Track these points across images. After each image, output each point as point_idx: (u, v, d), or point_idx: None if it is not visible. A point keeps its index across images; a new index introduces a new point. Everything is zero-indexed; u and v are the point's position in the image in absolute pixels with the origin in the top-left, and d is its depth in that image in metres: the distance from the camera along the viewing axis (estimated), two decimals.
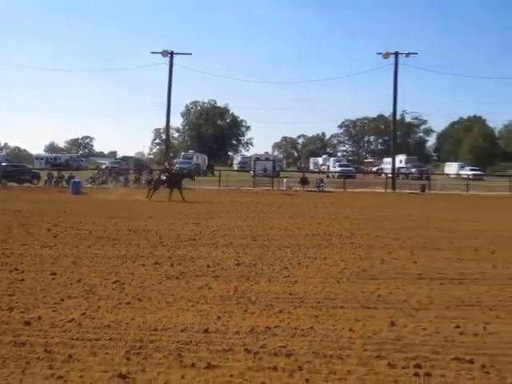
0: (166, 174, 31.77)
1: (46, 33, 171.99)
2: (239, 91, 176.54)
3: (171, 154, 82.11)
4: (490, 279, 9.99)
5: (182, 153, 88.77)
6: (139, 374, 5.51)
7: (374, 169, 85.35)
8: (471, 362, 5.79)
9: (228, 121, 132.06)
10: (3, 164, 54.04)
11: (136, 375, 5.49)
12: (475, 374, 5.51)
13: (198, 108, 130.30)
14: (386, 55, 49.04)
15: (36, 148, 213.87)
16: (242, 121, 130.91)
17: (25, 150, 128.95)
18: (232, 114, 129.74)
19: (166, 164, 36.21)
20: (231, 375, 5.48)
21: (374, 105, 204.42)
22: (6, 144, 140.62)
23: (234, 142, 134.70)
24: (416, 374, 5.46)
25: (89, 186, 42.93)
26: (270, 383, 5.32)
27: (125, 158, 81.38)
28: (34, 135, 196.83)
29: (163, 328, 6.89)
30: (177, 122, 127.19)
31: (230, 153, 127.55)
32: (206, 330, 6.79)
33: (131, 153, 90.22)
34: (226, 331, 6.80)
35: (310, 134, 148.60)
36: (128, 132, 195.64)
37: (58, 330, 6.81)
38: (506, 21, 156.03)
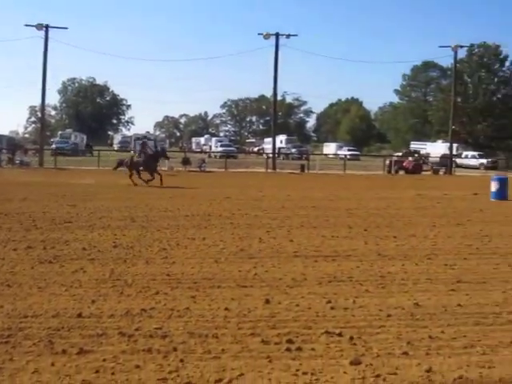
0: (142, 154, 27.82)
1: None
2: (119, 69, 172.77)
3: (48, 133, 79.14)
4: (361, 255, 10.44)
5: (59, 132, 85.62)
6: (7, 364, 5.29)
7: (256, 149, 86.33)
8: (340, 334, 6.04)
9: (108, 99, 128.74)
10: None
11: (3, 365, 5.26)
12: (343, 346, 5.75)
13: (76, 85, 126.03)
14: (267, 36, 49.54)
15: None
16: (122, 99, 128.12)
17: None
18: (112, 92, 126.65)
19: (140, 143, 31.38)
20: (104, 359, 5.39)
21: (256, 85, 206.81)
22: None
23: (115, 121, 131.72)
24: (288, 349, 5.62)
25: None
26: (144, 365, 5.28)
27: None
28: None
29: (34, 314, 6.66)
30: (54, 99, 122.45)
31: (109, 132, 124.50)
32: (80, 315, 6.63)
33: (5, 131, 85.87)
34: (101, 315, 6.68)
35: (192, 114, 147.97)
36: (0, 110, 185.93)
37: None
38: (379, 8, 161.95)
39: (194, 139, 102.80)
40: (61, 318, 6.55)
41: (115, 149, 76.50)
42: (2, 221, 13.91)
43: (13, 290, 7.76)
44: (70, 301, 7.24)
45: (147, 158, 27.27)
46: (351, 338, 5.92)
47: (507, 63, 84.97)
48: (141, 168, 26.96)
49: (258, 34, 50.40)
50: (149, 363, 5.34)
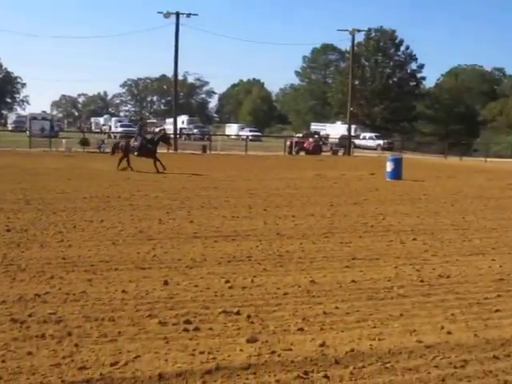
0: (139, 138, 25.80)
1: None
2: (13, 46, 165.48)
3: None
4: (260, 235, 10.57)
5: None
6: None
7: (157, 129, 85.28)
8: (238, 313, 6.10)
9: (0, 76, 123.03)
10: None
11: None
12: (241, 324, 5.82)
13: None
14: (167, 15, 48.90)
15: None
16: (16, 77, 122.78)
17: None
18: (5, 69, 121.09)
19: (138, 125, 28.50)
20: None
21: (156, 65, 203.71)
22: None
23: (9, 99, 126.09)
24: (185, 330, 5.63)
25: None
26: (37, 352, 5.12)
27: None
28: None
29: None
30: None
31: (3, 111, 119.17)
32: None
33: None
34: None
35: (90, 93, 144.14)
36: None
37: None
38: None
39: (93, 119, 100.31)
40: None
41: (9, 129, 73.43)
42: None
43: None
44: None
45: (145, 142, 25.57)
46: (248, 317, 5.99)
47: (402, 48, 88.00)
48: (135, 153, 25.21)
49: (158, 12, 49.68)
50: (42, 349, 5.18)
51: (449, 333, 5.60)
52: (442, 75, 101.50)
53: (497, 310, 6.35)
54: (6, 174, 21.90)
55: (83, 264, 8.16)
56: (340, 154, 51.86)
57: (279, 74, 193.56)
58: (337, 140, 59.18)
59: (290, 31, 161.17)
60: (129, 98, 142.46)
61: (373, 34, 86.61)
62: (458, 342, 5.37)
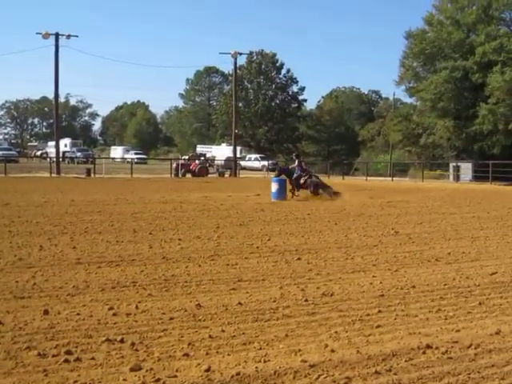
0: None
1: None
2: None
3: None
4: (145, 259, 10.40)
5: None
6: None
7: (39, 153, 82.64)
8: (122, 341, 5.94)
9: None
10: None
11: None
12: (125, 352, 5.67)
13: None
14: (46, 35, 47.65)
15: None
16: None
17: None
18: None
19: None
20: None
21: (37, 86, 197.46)
22: None
23: None
24: (66, 361, 5.41)
25: None
26: None
27: None
28: None
29: None
30: None
31: None
32: None
33: None
34: None
35: None
36: None
37: None
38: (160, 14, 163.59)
39: None
40: None
41: None
42: None
43: None
44: None
45: None
46: (133, 344, 5.85)
47: (283, 71, 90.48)
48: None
49: (37, 33, 48.35)
50: None
51: (332, 350, 5.73)
52: (322, 97, 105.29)
53: (378, 326, 6.57)
54: None
55: None
56: (226, 175, 52.33)
57: (164, 96, 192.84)
58: (223, 162, 59.66)
59: (174, 54, 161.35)
60: (8, 120, 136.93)
61: (254, 57, 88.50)
62: (342, 359, 5.50)
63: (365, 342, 6.04)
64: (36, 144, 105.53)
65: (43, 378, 5.03)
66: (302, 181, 25.87)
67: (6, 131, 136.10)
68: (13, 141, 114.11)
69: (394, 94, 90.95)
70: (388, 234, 14.21)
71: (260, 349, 5.79)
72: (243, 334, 6.25)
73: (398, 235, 13.94)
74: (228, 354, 5.64)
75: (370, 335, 6.26)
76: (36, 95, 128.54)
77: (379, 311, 7.21)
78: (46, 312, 6.95)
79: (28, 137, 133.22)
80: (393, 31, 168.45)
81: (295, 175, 25.92)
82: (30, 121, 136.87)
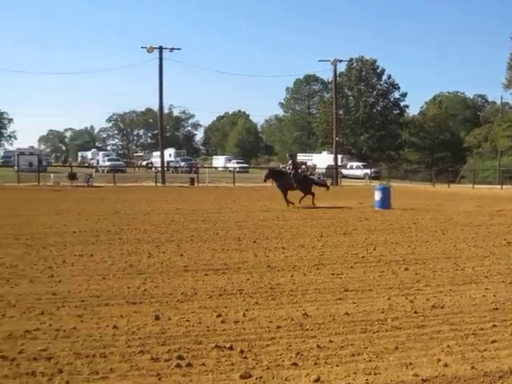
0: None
1: None
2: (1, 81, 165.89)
3: None
4: (251, 267, 10.50)
5: None
6: None
7: (144, 163, 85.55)
8: (231, 348, 6.03)
9: None
10: None
11: None
12: (234, 359, 5.75)
13: None
14: (151, 49, 49.21)
15: None
16: (3, 113, 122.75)
17: None
18: None
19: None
20: None
21: (142, 98, 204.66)
22: None
23: None
24: (178, 366, 5.55)
25: None
26: None
27: None
28: None
29: None
30: None
31: None
32: None
33: None
34: None
35: (77, 128, 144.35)
36: None
37: None
38: (263, 22, 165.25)
39: (80, 153, 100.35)
40: None
41: None
42: None
43: None
44: None
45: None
46: (242, 352, 5.92)
47: (384, 77, 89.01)
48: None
49: (142, 47, 50.08)
50: None
51: (445, 365, 5.55)
52: (425, 103, 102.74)
53: (493, 341, 6.30)
54: None
55: (73, 299, 8.07)
56: (328, 184, 52.00)
57: (264, 106, 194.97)
58: (324, 170, 59.40)
59: (273, 63, 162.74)
60: (115, 132, 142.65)
61: (354, 64, 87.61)
62: (456, 375, 5.32)
63: (480, 357, 5.81)
64: (141, 154, 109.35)
65: (157, 382, 5.18)
66: (299, 178, 25.57)
67: (113, 142, 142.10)
68: (120, 151, 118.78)
69: (501, 98, 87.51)
70: (500, 244, 13.64)
71: (370, 361, 5.70)
72: (351, 344, 6.18)
73: (510, 246, 13.36)
74: (337, 365, 5.58)
75: (485, 350, 6.01)
76: (141, 107, 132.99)
77: (494, 325, 6.92)
78: (157, 317, 7.16)
79: (134, 147, 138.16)
80: (499, 32, 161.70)
81: (291, 173, 25.36)
82: (135, 132, 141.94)
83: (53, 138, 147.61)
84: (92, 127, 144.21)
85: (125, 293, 8.50)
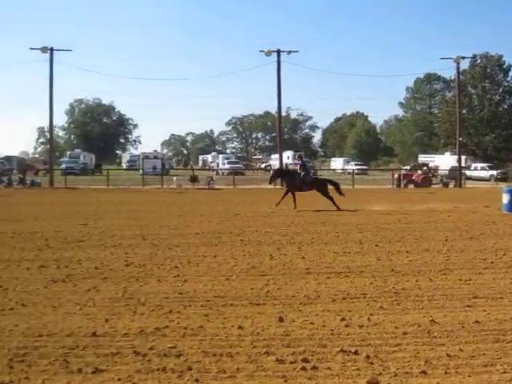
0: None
1: None
2: (125, 89, 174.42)
3: (57, 153, 79.68)
4: (374, 271, 10.35)
5: (68, 152, 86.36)
6: (23, 382, 5.30)
7: (263, 165, 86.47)
8: (356, 353, 5.96)
9: (114, 119, 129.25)
10: None
11: (19, 383, 5.26)
12: (360, 364, 5.68)
13: (83, 106, 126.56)
14: (269, 53, 49.76)
15: None
16: (128, 119, 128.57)
17: None
18: (118, 111, 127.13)
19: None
20: (119, 379, 5.36)
21: (260, 101, 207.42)
22: None
23: (122, 140, 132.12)
24: (303, 368, 5.56)
25: None
26: None
27: (8, 158, 77.89)
28: None
29: (49, 333, 6.65)
30: (62, 120, 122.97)
31: (118, 151, 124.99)
32: (94, 334, 6.61)
33: (15, 152, 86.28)
34: (115, 334, 6.65)
35: (198, 132, 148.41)
36: (11, 131, 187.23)
37: None
38: (380, 21, 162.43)
39: (201, 157, 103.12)
40: (75, 336, 6.52)
41: (124, 168, 76.93)
42: (16, 240, 13.97)
43: (27, 309, 7.77)
44: (84, 320, 7.22)
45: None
46: (368, 357, 5.84)
47: (511, 73, 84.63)
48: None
49: (260, 51, 50.70)
50: (164, 383, 5.31)
51: None
52: None
53: None
54: (122, 210, 22.86)
55: (199, 299, 8.30)
56: (451, 185, 50.30)
57: (383, 106, 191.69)
58: (447, 171, 57.50)
59: (391, 62, 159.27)
60: (234, 135, 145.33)
61: (478, 61, 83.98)
62: None
63: None
64: (260, 157, 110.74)
65: None
66: (309, 178, 24.80)
67: (232, 145, 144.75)
68: (239, 154, 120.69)
69: None
70: None
71: (504, 372, 5.44)
72: (483, 354, 5.92)
73: None
74: (469, 376, 5.38)
75: None
76: (259, 110, 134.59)
77: None
78: (280, 319, 7.22)
79: (252, 150, 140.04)
80: None
81: (302, 174, 24.62)
82: (254, 135, 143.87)
83: (175, 142, 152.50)
84: (212, 131, 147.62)
85: (248, 294, 8.63)
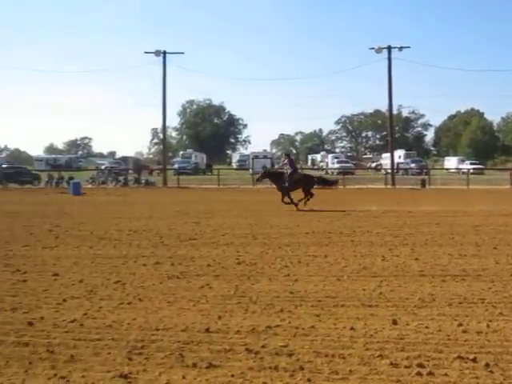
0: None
1: (45, 33, 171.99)
2: (235, 90, 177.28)
3: (170, 154, 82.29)
4: (492, 275, 9.90)
5: (181, 152, 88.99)
6: (141, 374, 5.49)
7: (373, 165, 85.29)
8: (475, 360, 5.72)
9: (225, 119, 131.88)
10: (4, 166, 54.50)
11: (138, 375, 5.47)
12: (479, 373, 5.45)
13: (194, 107, 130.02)
14: (379, 50, 49.07)
15: (36, 150, 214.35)
16: (238, 119, 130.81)
17: (25, 152, 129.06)
18: (228, 112, 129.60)
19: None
20: (232, 375, 5.44)
21: (369, 100, 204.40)
22: (5, 146, 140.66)
23: (232, 140, 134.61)
24: (418, 374, 5.41)
25: (89, 186, 42.96)
26: (272, 383, 5.27)
27: (124, 159, 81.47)
28: (33, 137, 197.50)
29: (164, 328, 6.86)
30: (174, 121, 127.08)
31: (228, 151, 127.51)
32: (207, 330, 6.75)
33: (131, 153, 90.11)
34: (227, 331, 6.76)
35: (307, 131, 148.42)
36: (127, 132, 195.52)
37: (61, 330, 6.81)
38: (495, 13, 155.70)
39: (310, 156, 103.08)
40: (189, 332, 6.69)
41: (234, 167, 78.31)
42: (132, 238, 14.54)
43: (144, 303, 8.06)
44: (198, 316, 7.39)
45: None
46: (487, 365, 5.59)
47: None
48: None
49: (370, 48, 50.04)
50: (276, 381, 5.33)
51: None
52: None
53: None
54: (233, 209, 23.25)
55: (310, 299, 8.28)
56: None
57: (500, 103, 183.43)
58: None
59: (508, 55, 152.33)
60: (344, 134, 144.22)
61: None
62: None
63: None
64: (370, 156, 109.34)
65: None
66: (296, 176, 24.25)
67: (342, 145, 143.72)
68: (349, 154, 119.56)
69: None
70: None
71: None
72: None
73: None
74: None
75: None
76: (369, 109, 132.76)
77: None
78: (394, 322, 7.07)
79: (362, 149, 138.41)
80: None
81: (289, 171, 24.11)
82: (363, 134, 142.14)
83: (284, 142, 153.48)
84: (321, 130, 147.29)
85: (360, 295, 8.52)
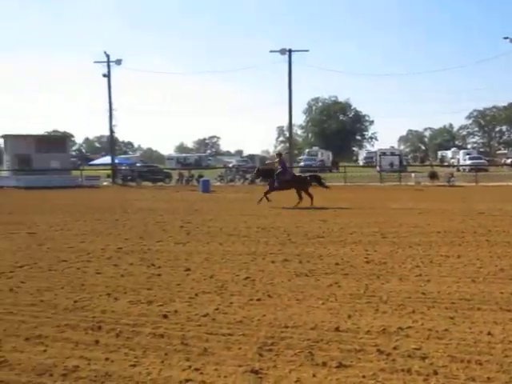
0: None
1: (171, 36, 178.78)
2: (360, 86, 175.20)
3: (295, 152, 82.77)
4: None
5: (307, 150, 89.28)
6: (271, 371, 5.54)
7: (509, 161, 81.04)
8: None
9: (350, 116, 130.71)
10: (138, 165, 57.43)
11: (268, 371, 5.53)
12: None
13: (320, 104, 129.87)
14: None
15: (167, 149, 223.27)
16: (364, 115, 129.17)
17: (156, 151, 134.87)
18: (354, 108, 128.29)
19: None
20: (364, 376, 5.37)
21: (503, 93, 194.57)
22: (139, 146, 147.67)
23: (358, 137, 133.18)
24: None
25: (217, 184, 44.11)
26: None
27: (251, 157, 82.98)
28: (165, 136, 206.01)
29: (294, 325, 6.89)
30: (299, 119, 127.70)
31: (354, 148, 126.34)
32: (337, 329, 6.70)
33: (257, 151, 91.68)
34: (357, 330, 6.67)
35: (436, 127, 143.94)
36: (253, 131, 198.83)
37: (194, 323, 7.03)
38: None
39: (439, 152, 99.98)
40: (319, 330, 6.67)
41: (360, 164, 77.48)
42: (260, 235, 14.75)
43: (273, 300, 8.13)
44: (327, 314, 7.35)
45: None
46: None
47: None
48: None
49: (504, 37, 47.86)
50: None
51: None
52: None
53: None
54: (360, 207, 22.95)
55: (443, 301, 8.00)
56: None
57: None
58: None
59: None
60: (475, 129, 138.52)
61: None
62: None
63: None
64: (505, 152, 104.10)
65: None
66: (287, 177, 24.42)
67: (474, 140, 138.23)
68: (481, 149, 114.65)
69: None
70: None
71: None
72: None
73: None
74: None
75: None
76: (503, 102, 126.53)
77: None
78: None
79: (496, 145, 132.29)
80: None
81: (278, 171, 24.32)
82: (497, 128, 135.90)
83: (412, 138, 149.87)
84: (451, 125, 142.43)
85: (497, 298, 8.11)
